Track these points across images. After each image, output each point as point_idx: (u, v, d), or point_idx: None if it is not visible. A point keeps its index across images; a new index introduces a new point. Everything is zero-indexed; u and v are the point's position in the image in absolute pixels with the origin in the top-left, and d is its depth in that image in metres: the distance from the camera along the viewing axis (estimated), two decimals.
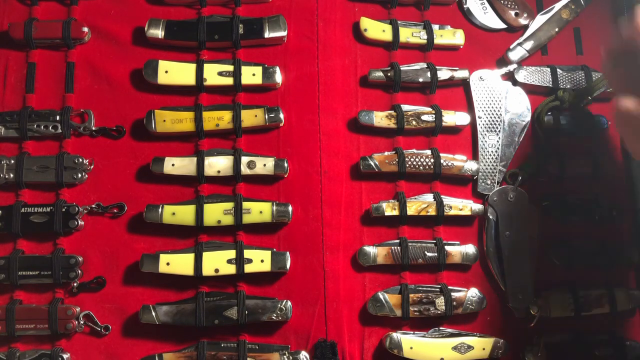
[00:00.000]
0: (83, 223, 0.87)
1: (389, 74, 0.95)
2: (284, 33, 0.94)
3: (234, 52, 0.94)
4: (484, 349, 0.87)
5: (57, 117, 0.89)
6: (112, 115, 0.91)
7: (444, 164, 0.92)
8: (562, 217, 0.94)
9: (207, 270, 0.84)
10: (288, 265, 0.85)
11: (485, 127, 0.96)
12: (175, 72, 0.91)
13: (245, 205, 0.86)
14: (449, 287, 0.88)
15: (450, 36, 0.99)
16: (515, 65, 0.98)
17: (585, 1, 1.03)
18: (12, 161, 0.87)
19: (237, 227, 0.86)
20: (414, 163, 0.91)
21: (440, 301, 0.87)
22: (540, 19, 1.01)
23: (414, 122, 0.93)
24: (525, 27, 1.01)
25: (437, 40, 0.98)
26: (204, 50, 0.93)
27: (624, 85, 0.28)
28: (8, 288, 0.85)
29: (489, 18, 1.01)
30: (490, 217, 0.92)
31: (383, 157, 0.91)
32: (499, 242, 0.91)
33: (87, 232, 0.87)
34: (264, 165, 0.88)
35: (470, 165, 0.92)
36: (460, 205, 0.91)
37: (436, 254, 0.89)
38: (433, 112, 0.94)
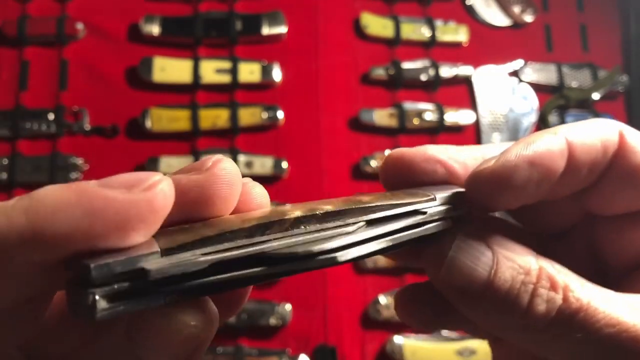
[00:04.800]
0: None
1: (390, 72, 0.93)
2: (283, 29, 0.92)
3: (231, 49, 0.92)
4: (488, 352, 0.85)
5: (51, 116, 0.87)
6: (106, 114, 0.89)
7: None
8: None
9: None
10: None
11: (489, 126, 0.94)
12: (171, 70, 0.89)
13: None
14: None
15: (453, 32, 0.97)
16: (520, 63, 0.96)
17: None
18: (5, 161, 0.85)
19: None
20: None
21: None
22: None
23: (416, 121, 0.91)
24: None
25: (440, 37, 0.96)
26: (201, 47, 0.91)
27: None
28: None
29: (492, 14, 1.00)
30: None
31: (385, 156, 0.89)
32: None
33: None
34: (262, 165, 0.86)
35: None
36: None
37: None
38: (435, 110, 0.92)
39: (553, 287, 0.20)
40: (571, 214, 0.26)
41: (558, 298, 0.20)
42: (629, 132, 0.23)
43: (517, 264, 0.21)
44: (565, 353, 0.21)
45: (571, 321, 0.20)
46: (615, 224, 0.24)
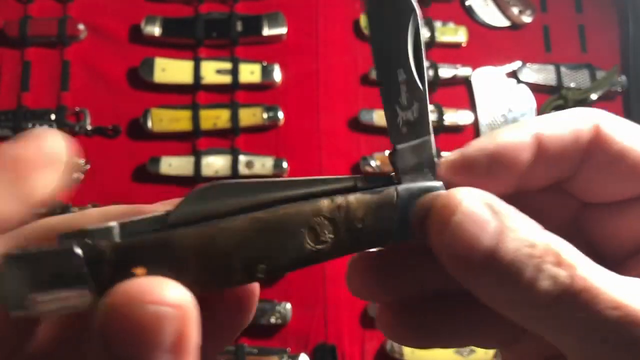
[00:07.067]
0: None
1: None
2: (283, 30, 0.92)
3: (232, 49, 0.92)
4: (486, 351, 0.85)
5: (53, 116, 0.88)
6: (108, 114, 0.90)
7: None
8: None
9: None
10: None
11: (488, 126, 0.94)
12: (172, 70, 0.89)
13: None
14: None
15: (452, 33, 0.97)
16: (519, 63, 0.97)
17: None
18: None
19: None
20: None
21: None
22: None
23: None
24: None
25: (439, 38, 0.96)
26: (202, 47, 0.92)
27: None
28: None
29: (491, 15, 1.00)
30: None
31: (384, 156, 0.90)
32: None
33: None
34: (263, 165, 0.87)
35: None
36: None
37: None
38: (435, 110, 0.92)
39: (559, 263, 0.20)
40: (566, 207, 0.26)
41: (563, 275, 0.19)
42: (606, 120, 0.23)
43: (522, 235, 0.20)
44: (567, 332, 0.20)
45: (575, 300, 0.19)
46: (607, 212, 0.24)
